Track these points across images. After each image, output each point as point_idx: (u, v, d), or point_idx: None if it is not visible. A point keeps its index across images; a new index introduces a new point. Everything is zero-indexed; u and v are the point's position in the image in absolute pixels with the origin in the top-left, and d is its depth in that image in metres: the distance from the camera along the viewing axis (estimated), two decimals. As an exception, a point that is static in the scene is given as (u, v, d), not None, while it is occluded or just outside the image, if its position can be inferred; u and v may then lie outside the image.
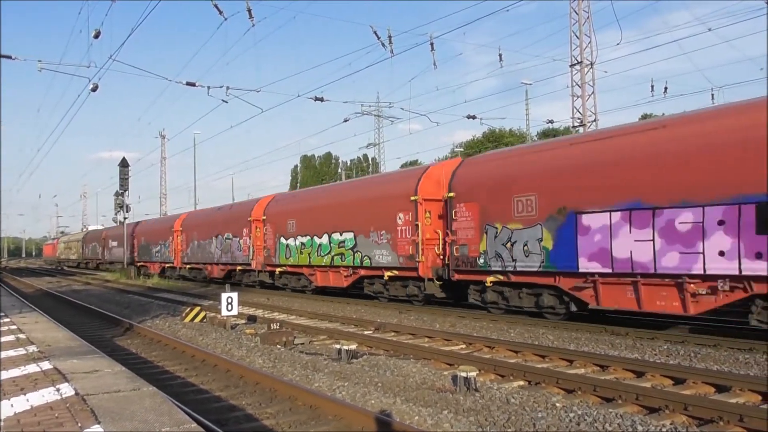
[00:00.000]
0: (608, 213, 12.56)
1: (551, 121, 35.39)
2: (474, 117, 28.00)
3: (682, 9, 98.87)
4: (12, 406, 5.64)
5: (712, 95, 29.43)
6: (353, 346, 11.18)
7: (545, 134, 74.22)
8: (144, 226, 43.81)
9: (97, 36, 16.76)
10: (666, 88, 28.72)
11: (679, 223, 11.42)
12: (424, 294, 17.90)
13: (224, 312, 15.27)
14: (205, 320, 16.73)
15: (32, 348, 9.10)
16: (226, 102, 20.81)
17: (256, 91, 21.30)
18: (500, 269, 15.09)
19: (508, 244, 14.81)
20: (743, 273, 10.56)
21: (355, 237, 20.23)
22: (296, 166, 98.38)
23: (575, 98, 27.97)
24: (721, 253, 10.84)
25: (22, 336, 10.50)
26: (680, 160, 11.48)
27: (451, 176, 16.81)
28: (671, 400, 7.34)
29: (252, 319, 16.91)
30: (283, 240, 24.41)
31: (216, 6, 16.23)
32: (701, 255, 11.09)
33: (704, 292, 11.20)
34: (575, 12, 27.62)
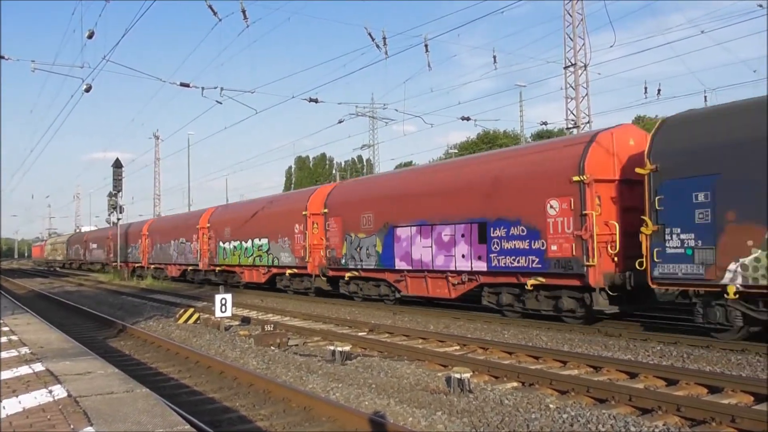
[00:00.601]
0: (410, 227, 17.58)
1: (545, 123, 35.43)
2: (468, 119, 27.99)
3: (675, 12, 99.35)
4: (4, 408, 5.61)
5: (705, 97, 29.44)
6: (347, 348, 11.18)
7: (539, 135, 74.45)
8: (120, 229, 46.95)
9: (90, 36, 16.67)
10: (659, 90, 28.71)
11: (444, 235, 16.36)
12: (314, 287, 22.58)
13: (218, 313, 15.25)
14: (198, 322, 16.70)
15: (24, 350, 9.06)
16: (221, 103, 20.72)
17: (251, 92, 21.24)
18: (354, 267, 19.99)
19: (358, 249, 19.75)
20: (473, 269, 15.46)
21: (269, 242, 24.98)
22: (290, 167, 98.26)
23: (569, 100, 28.03)
24: (463, 256, 15.71)
25: (14, 338, 10.45)
26: (444, 195, 16.50)
27: (326, 197, 21.84)
28: (664, 401, 7.37)
29: (246, 320, 16.89)
30: (221, 244, 29.16)
31: (210, 7, 16.17)
32: (453, 257, 15.96)
33: (457, 282, 16.16)
34: (569, 14, 27.71)
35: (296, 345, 12.86)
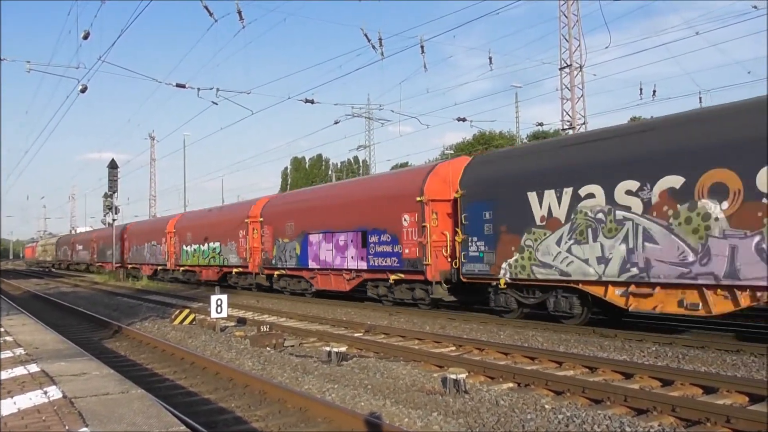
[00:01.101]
0: (318, 234, 21.55)
1: (541, 124, 35.56)
2: (464, 119, 28.07)
3: (670, 13, 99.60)
4: (-1, 409, 5.59)
5: (700, 98, 29.52)
6: (343, 349, 11.17)
7: (535, 136, 74.57)
8: (100, 233, 52.43)
9: (86, 37, 16.68)
10: (654, 91, 28.86)
11: (340, 241, 20.39)
12: (256, 283, 26.40)
13: (213, 314, 15.22)
14: (194, 323, 16.68)
15: (19, 351, 9.03)
16: (216, 104, 20.79)
17: (247, 93, 21.30)
18: (282, 267, 24.04)
19: (284, 251, 23.60)
20: (359, 268, 19.56)
21: (220, 245, 29.07)
22: (287, 168, 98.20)
23: (565, 101, 28.08)
24: (352, 257, 19.74)
25: (9, 339, 10.42)
26: (341, 209, 20.68)
27: (263, 208, 26.01)
28: (659, 402, 7.38)
29: (242, 321, 16.87)
30: (184, 247, 33.29)
31: (206, 8, 16.21)
32: (347, 258, 20.03)
33: (349, 278, 20.10)
34: (565, 15, 27.75)
35: (292, 346, 12.86)
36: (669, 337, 11.81)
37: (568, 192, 13.31)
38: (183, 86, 20.28)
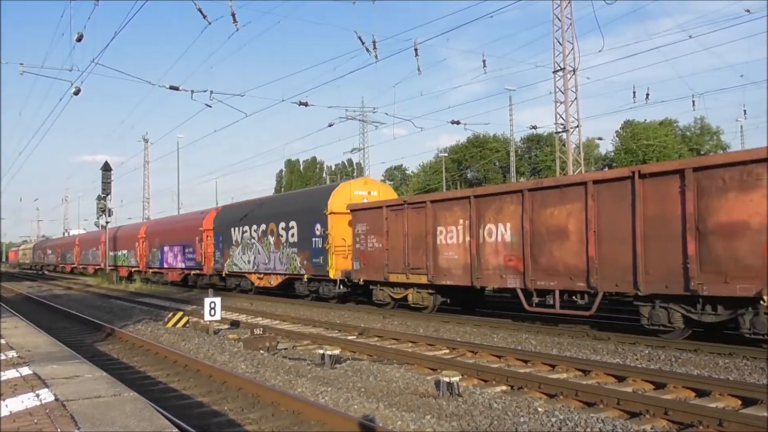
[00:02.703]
0: (169, 247, 33.53)
1: (535, 127, 35.51)
2: (458, 122, 28.09)
3: (663, 16, 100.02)
4: (-10, 412, 5.57)
5: (693, 101, 29.66)
6: (336, 351, 11.16)
7: (529, 140, 74.73)
8: (64, 240, 67.58)
9: (79, 39, 16.60)
10: (648, 95, 28.89)
11: (175, 251, 32.84)
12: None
13: (207, 317, 15.17)
14: (187, 325, 16.63)
15: (12, 353, 9.00)
16: (210, 106, 20.72)
17: (240, 96, 21.28)
18: (157, 268, 35.95)
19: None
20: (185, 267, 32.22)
21: (127, 251, 41.87)
22: (281, 171, 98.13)
23: (558, 104, 28.14)
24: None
25: (1, 341, 10.37)
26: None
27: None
28: (652, 405, 7.41)
29: (235, 324, 16.83)
30: (111, 253, 43.86)
31: (200, 10, 16.15)
32: (181, 261, 31.80)
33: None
34: (558, 18, 27.83)
35: (285, 349, 12.84)
36: (662, 340, 11.85)
37: (244, 228, 26.71)
38: (177, 88, 20.23)
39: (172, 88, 20.25)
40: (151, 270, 38.06)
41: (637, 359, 10.59)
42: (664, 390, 8.45)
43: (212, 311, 15.16)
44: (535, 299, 13.98)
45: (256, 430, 7.19)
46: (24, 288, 37.41)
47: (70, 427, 5.00)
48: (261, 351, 12.28)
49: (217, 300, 15.30)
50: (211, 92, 20.15)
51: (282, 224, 23.79)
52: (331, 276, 20.71)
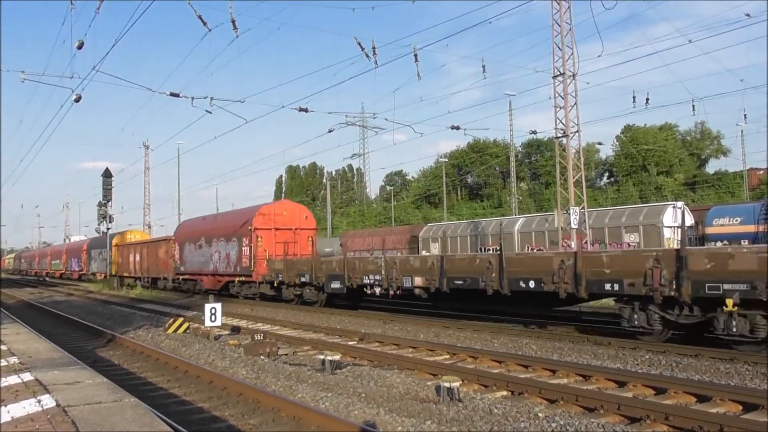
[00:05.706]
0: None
1: (534, 132, 35.63)
2: (458, 128, 28.09)
3: (662, 21, 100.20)
4: (-8, 418, 5.58)
5: (693, 106, 29.75)
6: (337, 357, 11.17)
7: (529, 144, 74.79)
8: (41, 251, 77.22)
9: (80, 47, 16.63)
10: (647, 100, 28.92)
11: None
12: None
13: (208, 323, 15.19)
14: (188, 331, 16.62)
15: (13, 359, 9.00)
16: (210, 113, 20.72)
17: (240, 102, 21.26)
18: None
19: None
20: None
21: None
22: (281, 177, 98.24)
23: (558, 109, 28.15)
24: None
25: (3, 347, 10.38)
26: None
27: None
28: (652, 410, 7.40)
29: (236, 330, 16.83)
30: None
31: (200, 17, 16.19)
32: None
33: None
34: (557, 24, 27.85)
35: (286, 354, 12.84)
36: (662, 346, 11.85)
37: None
38: (177, 95, 20.27)
39: (172, 94, 20.31)
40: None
41: (637, 364, 10.59)
42: (665, 395, 8.44)
43: (213, 317, 15.18)
44: None
45: (257, 435, 7.19)
46: (25, 295, 37.41)
47: (71, 433, 5.01)
48: (261, 357, 12.28)
49: (218, 306, 15.31)
50: (212, 99, 20.15)
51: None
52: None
